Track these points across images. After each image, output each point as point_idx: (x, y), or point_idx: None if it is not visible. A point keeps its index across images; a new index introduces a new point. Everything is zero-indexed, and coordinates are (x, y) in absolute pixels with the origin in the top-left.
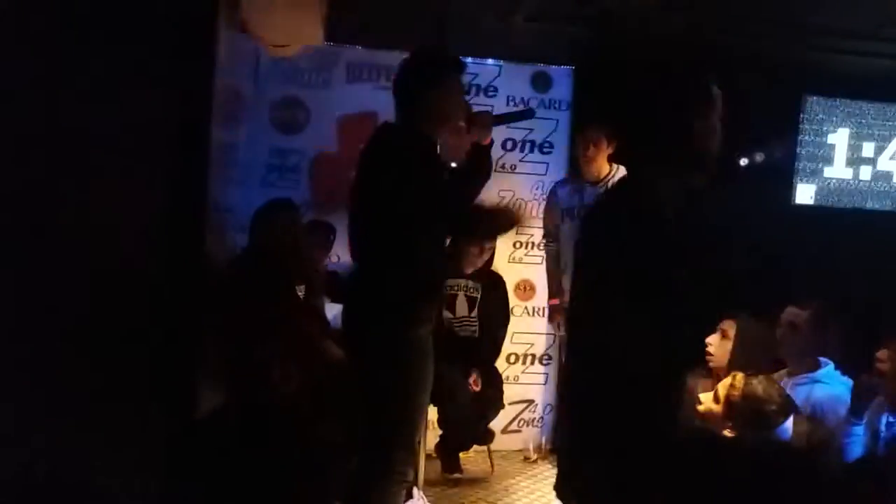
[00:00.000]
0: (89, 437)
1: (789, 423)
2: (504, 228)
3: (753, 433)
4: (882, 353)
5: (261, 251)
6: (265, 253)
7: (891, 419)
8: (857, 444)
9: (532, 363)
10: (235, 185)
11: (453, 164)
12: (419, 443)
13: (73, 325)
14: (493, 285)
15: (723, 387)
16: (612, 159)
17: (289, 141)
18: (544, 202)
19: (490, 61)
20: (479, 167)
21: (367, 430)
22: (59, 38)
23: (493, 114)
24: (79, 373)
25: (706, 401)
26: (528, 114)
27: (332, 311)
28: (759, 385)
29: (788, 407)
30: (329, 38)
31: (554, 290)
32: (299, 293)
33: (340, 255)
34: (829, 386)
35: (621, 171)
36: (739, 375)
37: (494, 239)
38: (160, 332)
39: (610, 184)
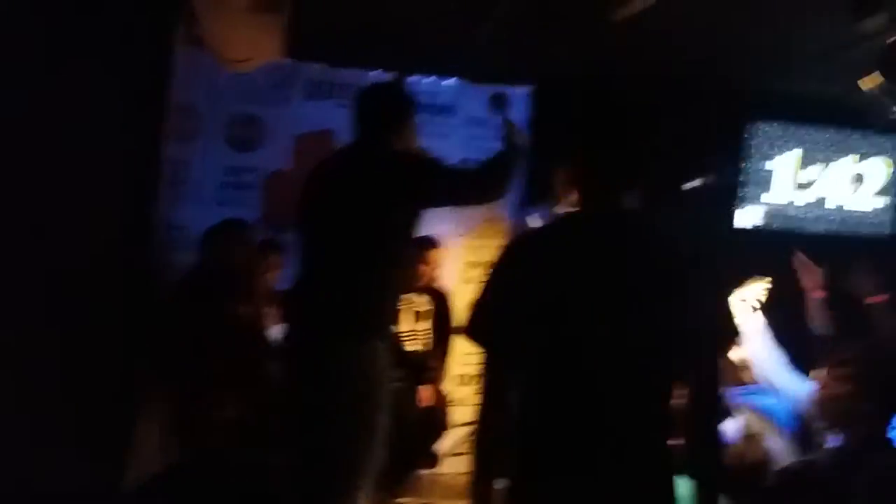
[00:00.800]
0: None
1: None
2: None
3: None
4: (819, 374)
5: (210, 271)
6: (215, 272)
7: (834, 438)
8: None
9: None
10: (188, 202)
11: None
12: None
13: (23, 339)
14: (440, 300)
15: None
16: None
17: (244, 158)
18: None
19: (448, 81)
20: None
21: (323, 454)
22: (10, 52)
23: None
24: (30, 384)
25: None
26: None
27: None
28: None
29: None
30: (289, 54)
31: None
32: (249, 314)
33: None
34: (774, 398)
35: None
36: None
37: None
38: (110, 347)
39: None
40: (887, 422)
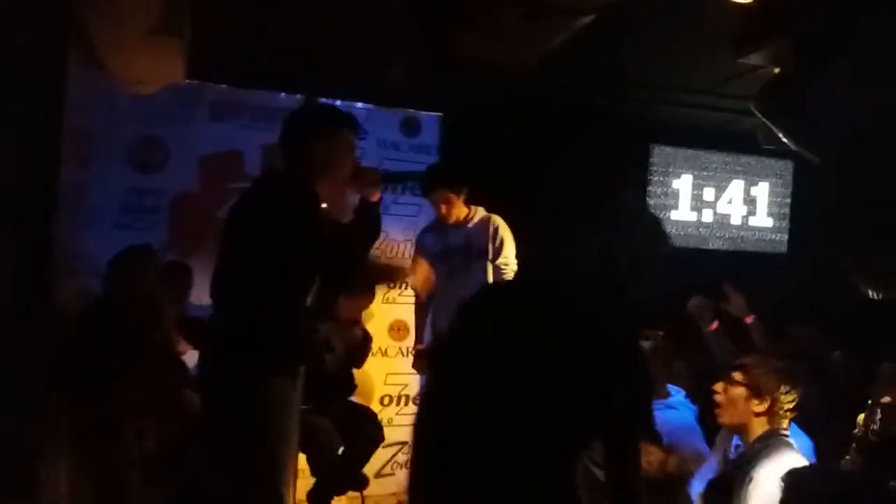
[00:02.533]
0: None
1: None
2: (384, 281)
3: None
4: (718, 385)
5: (118, 301)
6: (122, 303)
7: (737, 442)
8: (708, 468)
9: (406, 404)
10: (87, 227)
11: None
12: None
13: None
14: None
15: None
16: (468, 201)
17: (147, 181)
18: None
19: (359, 105)
20: (367, 224)
21: (231, 484)
22: None
23: (381, 172)
24: None
25: None
26: (416, 176)
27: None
28: None
29: None
30: (191, 76)
31: (420, 336)
32: (157, 342)
33: (202, 298)
34: (680, 412)
35: (480, 212)
36: None
37: (372, 292)
38: (4, 386)
39: (471, 224)
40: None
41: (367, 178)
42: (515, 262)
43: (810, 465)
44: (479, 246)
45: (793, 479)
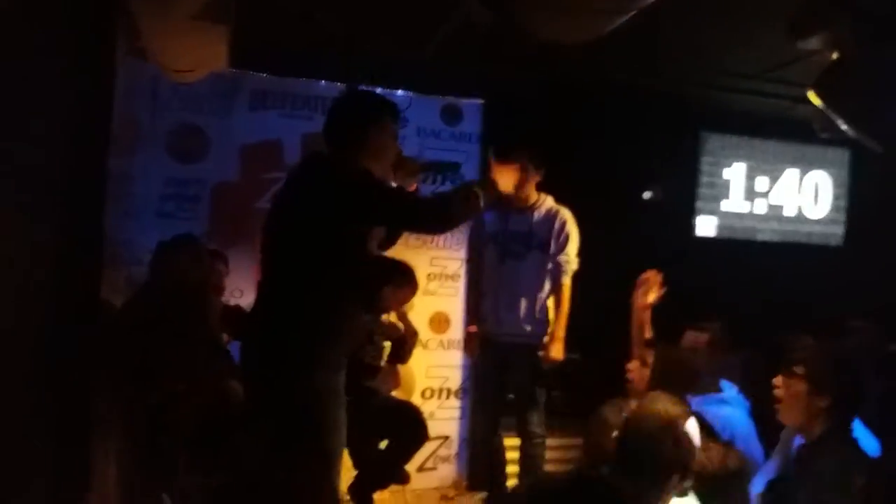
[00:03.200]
0: None
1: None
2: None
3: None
4: (777, 380)
5: (166, 289)
6: (170, 291)
7: (800, 441)
8: (769, 467)
9: (447, 397)
10: (131, 216)
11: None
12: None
13: None
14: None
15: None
16: (539, 187)
17: (187, 170)
18: (468, 226)
19: (400, 92)
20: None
21: (281, 476)
22: None
23: (420, 162)
24: None
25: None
26: (454, 167)
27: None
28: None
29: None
30: (233, 64)
31: (472, 317)
32: (204, 331)
33: (242, 287)
34: (733, 407)
35: (549, 201)
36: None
37: (415, 283)
38: (55, 369)
39: (537, 212)
40: (845, 417)
41: (407, 168)
42: (577, 260)
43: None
44: (540, 237)
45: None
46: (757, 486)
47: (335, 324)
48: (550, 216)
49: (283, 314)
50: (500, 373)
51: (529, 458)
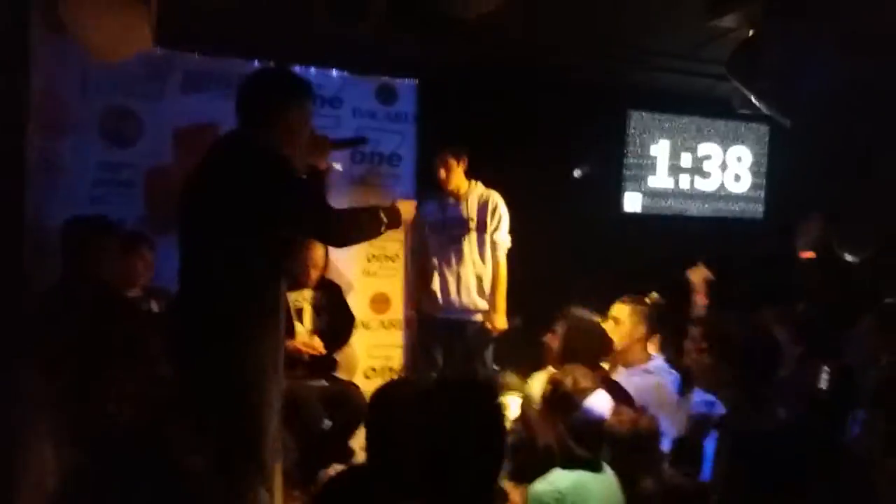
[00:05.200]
0: None
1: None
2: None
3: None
4: (687, 343)
5: (77, 271)
6: (81, 273)
7: (701, 398)
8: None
9: (389, 376)
10: (62, 202)
11: None
12: (273, 465)
13: None
14: (333, 292)
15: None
16: (468, 175)
17: (120, 154)
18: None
19: (334, 72)
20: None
21: (213, 453)
22: None
23: (331, 140)
24: None
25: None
26: (362, 141)
27: None
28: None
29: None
30: (161, 43)
31: (414, 301)
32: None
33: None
34: (658, 377)
35: (479, 187)
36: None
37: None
38: None
39: (470, 198)
40: (752, 384)
41: (319, 146)
42: (510, 237)
43: None
44: (476, 219)
45: None
46: (665, 445)
47: (260, 300)
48: (482, 200)
49: (206, 295)
50: (441, 350)
51: None
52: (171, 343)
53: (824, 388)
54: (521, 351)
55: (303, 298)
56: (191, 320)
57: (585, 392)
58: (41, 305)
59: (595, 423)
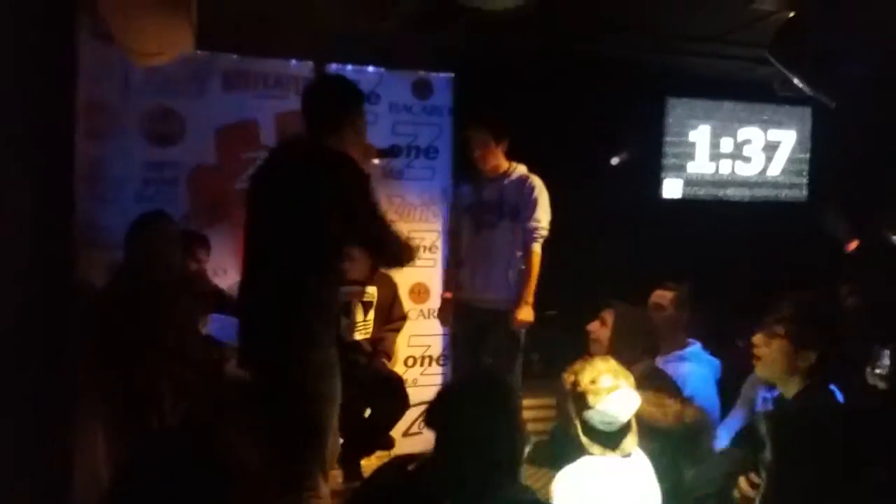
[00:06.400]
0: None
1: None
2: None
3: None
4: (757, 338)
5: (138, 268)
6: (143, 269)
7: (766, 394)
8: (735, 419)
9: (429, 364)
10: (110, 201)
11: None
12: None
13: None
14: (389, 285)
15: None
16: (509, 156)
17: (164, 154)
18: (443, 203)
19: (370, 68)
20: None
21: (274, 448)
22: None
23: (377, 147)
24: None
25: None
26: (398, 152)
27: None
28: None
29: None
30: (201, 46)
31: (449, 285)
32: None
33: (225, 268)
34: (694, 363)
35: (520, 169)
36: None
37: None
38: (32, 363)
39: (507, 180)
40: (824, 372)
41: (368, 152)
42: (548, 227)
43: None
44: (511, 204)
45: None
46: (722, 440)
47: (326, 299)
48: (521, 184)
49: (275, 293)
50: (477, 339)
51: None
52: (240, 339)
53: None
54: (560, 338)
55: (353, 294)
56: (257, 314)
57: (600, 391)
58: (101, 299)
59: (608, 422)
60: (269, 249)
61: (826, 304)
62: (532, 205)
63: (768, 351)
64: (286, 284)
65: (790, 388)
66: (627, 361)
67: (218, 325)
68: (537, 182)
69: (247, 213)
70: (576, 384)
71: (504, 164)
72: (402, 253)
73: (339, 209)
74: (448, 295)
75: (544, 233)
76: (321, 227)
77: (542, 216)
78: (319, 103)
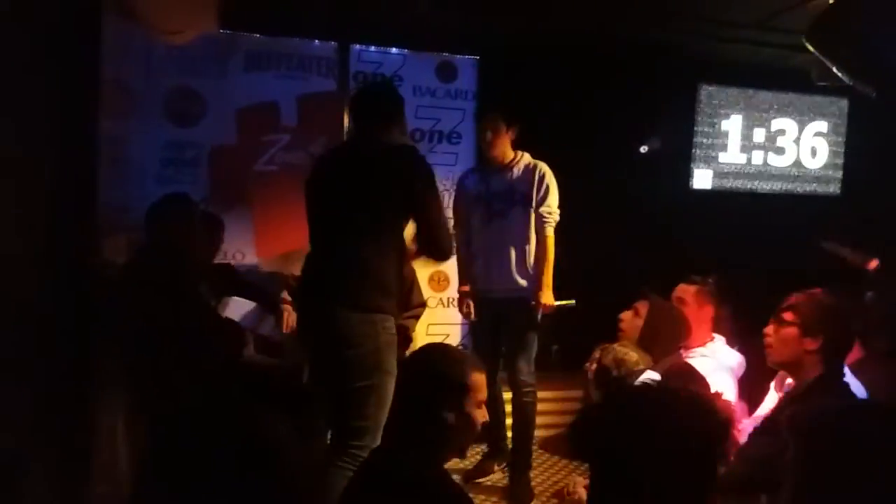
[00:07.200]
0: None
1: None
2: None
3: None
4: (768, 328)
5: (158, 247)
6: (162, 248)
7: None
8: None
9: None
10: (131, 181)
11: None
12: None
13: None
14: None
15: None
16: (515, 145)
17: (184, 134)
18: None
19: (394, 50)
20: None
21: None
22: None
23: None
24: None
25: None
26: None
27: None
28: (611, 353)
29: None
30: (224, 24)
31: (464, 277)
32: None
33: (243, 250)
34: (712, 360)
35: (526, 157)
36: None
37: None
38: (51, 342)
39: (515, 169)
40: (835, 361)
41: None
42: (558, 211)
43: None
44: (521, 192)
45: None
46: (747, 430)
47: (395, 274)
48: (529, 171)
49: (337, 273)
50: (495, 327)
51: (520, 409)
52: (300, 320)
53: None
54: (581, 329)
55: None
56: (319, 299)
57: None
58: (122, 280)
59: None
60: (342, 229)
61: (831, 293)
62: (543, 191)
63: (777, 338)
64: (359, 258)
65: (801, 376)
66: (658, 355)
67: (236, 308)
68: (546, 168)
69: (314, 201)
70: (603, 365)
71: (510, 152)
72: (450, 247)
73: (408, 195)
74: (465, 288)
75: (556, 217)
76: (393, 208)
77: (553, 201)
78: (374, 103)
